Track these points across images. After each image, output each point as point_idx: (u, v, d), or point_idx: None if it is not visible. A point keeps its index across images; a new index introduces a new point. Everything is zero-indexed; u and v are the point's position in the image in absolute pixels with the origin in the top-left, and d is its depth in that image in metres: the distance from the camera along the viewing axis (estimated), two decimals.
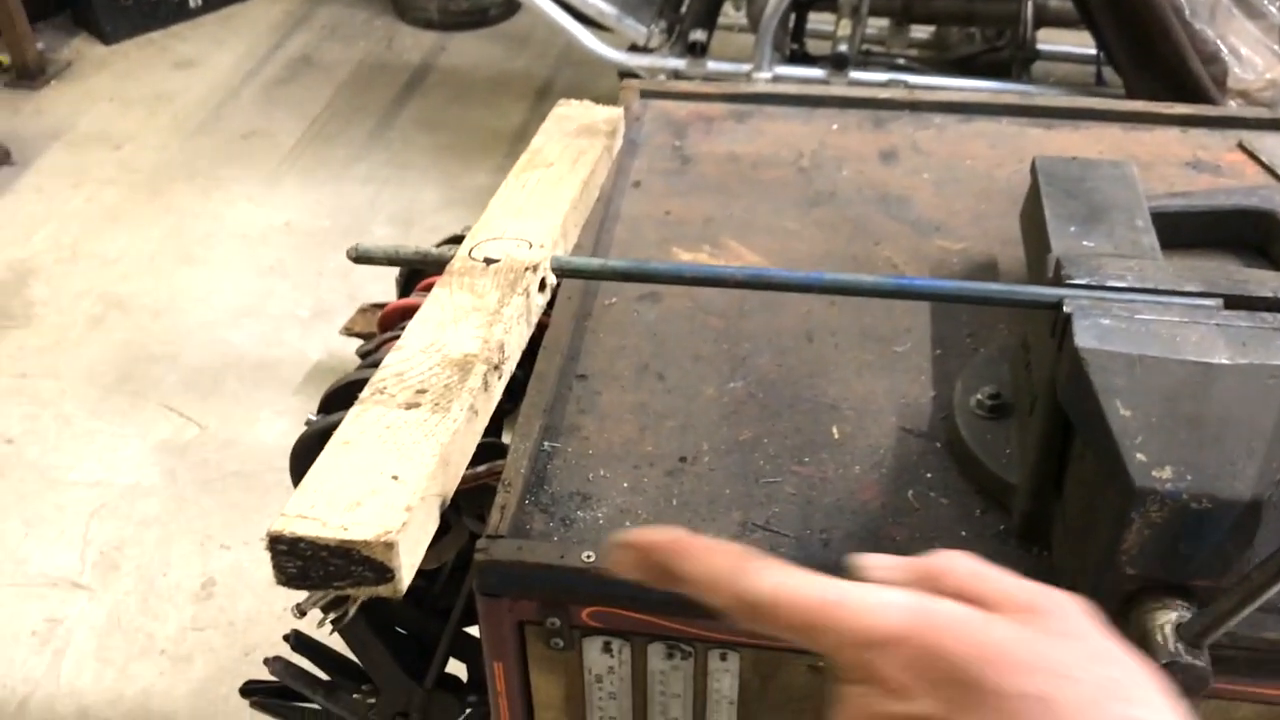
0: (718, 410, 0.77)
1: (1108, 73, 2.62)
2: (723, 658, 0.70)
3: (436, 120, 3.49)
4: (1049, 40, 2.90)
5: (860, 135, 1.06)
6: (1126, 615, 0.57)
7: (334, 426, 0.58)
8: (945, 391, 0.78)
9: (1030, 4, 2.77)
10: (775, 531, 0.69)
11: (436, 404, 0.59)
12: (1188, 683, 0.54)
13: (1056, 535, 0.66)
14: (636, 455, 0.74)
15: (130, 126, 3.46)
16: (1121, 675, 0.48)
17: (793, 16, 2.93)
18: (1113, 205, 0.75)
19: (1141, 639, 0.55)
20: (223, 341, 2.66)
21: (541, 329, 0.82)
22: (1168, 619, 0.55)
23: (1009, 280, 0.84)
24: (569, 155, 0.86)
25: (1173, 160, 1.00)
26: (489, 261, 0.71)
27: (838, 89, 1.17)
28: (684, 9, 2.90)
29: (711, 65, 2.79)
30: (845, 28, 2.69)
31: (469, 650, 1.00)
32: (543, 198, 0.80)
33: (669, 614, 0.68)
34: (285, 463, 0.86)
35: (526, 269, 0.71)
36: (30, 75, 3.63)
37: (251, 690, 1.06)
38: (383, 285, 2.70)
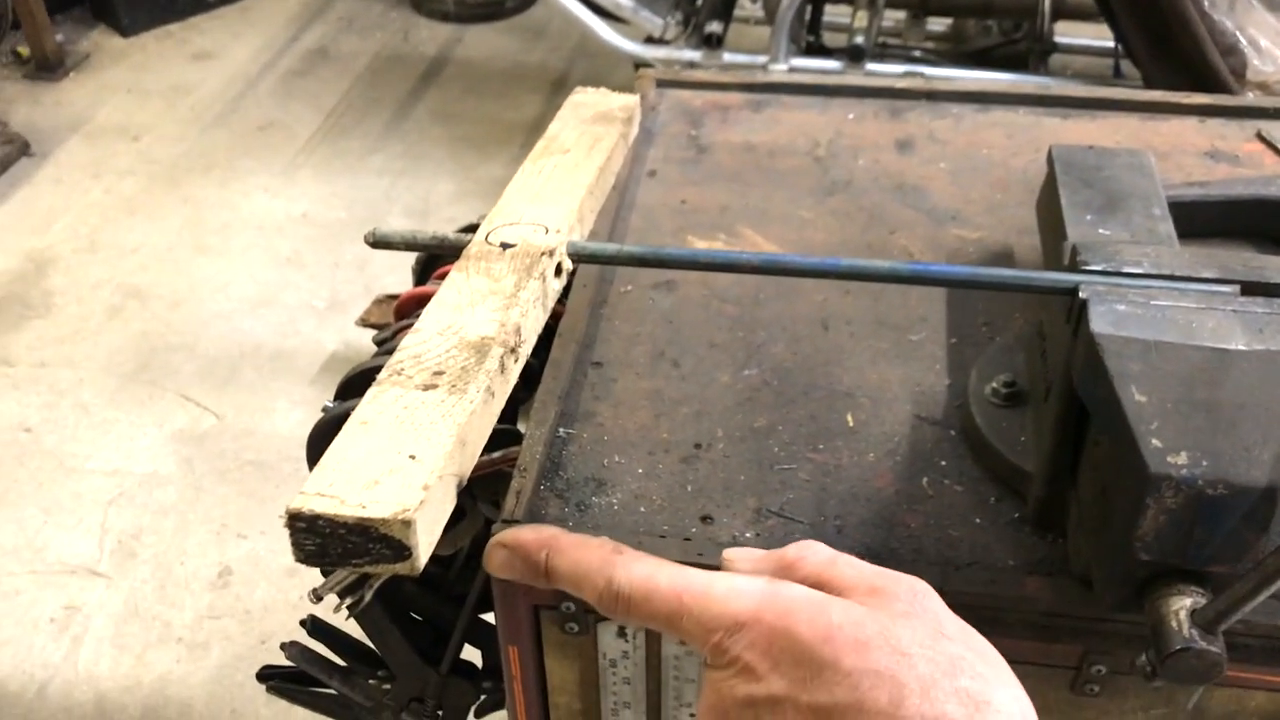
0: (732, 397, 0.78)
1: (1126, 65, 2.61)
2: None
3: (452, 112, 3.50)
4: (1067, 33, 2.89)
5: (876, 125, 1.06)
6: (1141, 601, 0.57)
7: (350, 413, 0.59)
8: (960, 379, 0.78)
9: None
10: (789, 518, 0.69)
11: (453, 385, 0.59)
12: (1202, 668, 0.54)
13: (1071, 522, 0.66)
14: (651, 441, 0.74)
15: (148, 118, 3.48)
16: (964, 653, 0.49)
17: (809, 9, 2.92)
18: (1129, 194, 0.75)
19: (1156, 625, 0.55)
20: (239, 332, 2.68)
21: (557, 317, 0.83)
22: (1182, 605, 0.55)
23: (1025, 269, 0.84)
24: (585, 142, 0.86)
25: (1190, 150, 1.00)
26: (505, 246, 0.72)
27: (854, 79, 1.16)
28: (700, 1, 2.90)
29: (727, 57, 2.79)
30: (862, 20, 2.68)
31: (484, 636, 1.00)
32: (559, 184, 0.80)
33: None
34: (301, 453, 0.87)
35: (543, 254, 0.71)
36: (49, 67, 3.65)
37: (268, 675, 1.07)
38: (398, 276, 2.73)
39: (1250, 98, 1.64)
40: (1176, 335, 0.58)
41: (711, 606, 0.51)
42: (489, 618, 0.96)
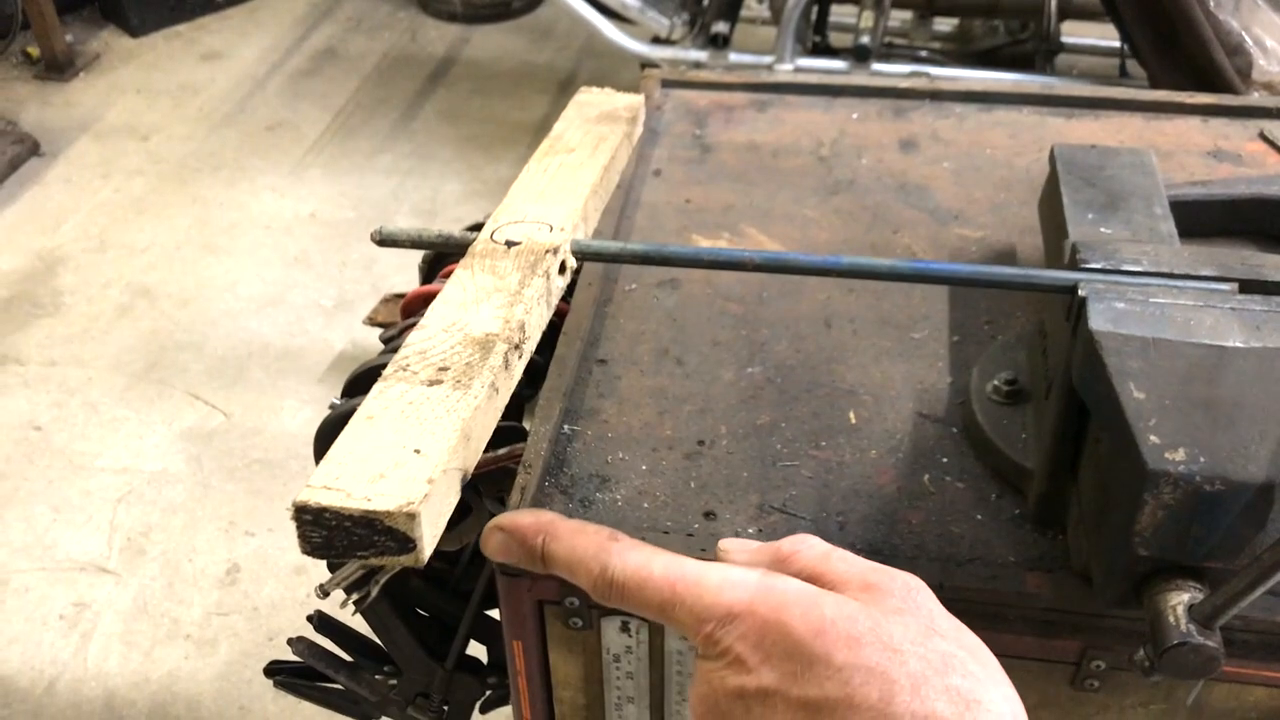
0: (736, 395, 0.78)
1: (1132, 65, 2.61)
2: None
3: (460, 112, 3.51)
4: (1073, 33, 2.89)
5: (880, 124, 1.06)
6: (1139, 596, 0.57)
7: (356, 409, 0.59)
8: (962, 377, 0.78)
9: None
10: (792, 514, 0.70)
11: (458, 381, 0.60)
12: (1199, 663, 0.55)
13: (1071, 518, 0.66)
14: (655, 438, 0.75)
15: (157, 118, 3.50)
16: (955, 650, 0.49)
17: (815, 9, 2.93)
18: (1131, 193, 0.75)
19: (1154, 619, 0.56)
20: (248, 330, 2.69)
21: (562, 315, 0.83)
22: (1180, 600, 0.56)
23: (1027, 267, 0.84)
24: (590, 141, 0.87)
25: (1193, 150, 1.00)
26: (510, 244, 0.72)
27: (859, 79, 1.17)
28: (706, 1, 2.90)
29: (734, 57, 2.80)
30: (868, 20, 2.69)
31: (489, 632, 1.01)
32: (564, 182, 0.81)
33: None
34: (308, 451, 0.87)
35: (547, 251, 0.71)
36: (59, 68, 3.67)
37: (275, 670, 1.07)
38: (405, 276, 2.74)
39: (1255, 97, 1.64)
40: (1175, 332, 0.59)
41: (704, 596, 0.51)
42: (494, 613, 0.97)
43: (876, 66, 2.64)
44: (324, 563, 0.70)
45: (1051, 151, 0.80)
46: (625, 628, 0.71)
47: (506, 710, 0.91)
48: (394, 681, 0.99)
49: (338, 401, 0.88)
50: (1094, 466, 0.62)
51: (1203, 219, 0.85)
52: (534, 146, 0.87)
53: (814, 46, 2.93)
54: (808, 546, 0.55)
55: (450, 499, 0.56)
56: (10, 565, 2.16)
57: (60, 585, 2.13)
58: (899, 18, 3.04)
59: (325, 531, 0.52)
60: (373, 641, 0.99)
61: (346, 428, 0.57)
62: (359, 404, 0.59)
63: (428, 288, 0.97)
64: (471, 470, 0.59)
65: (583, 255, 0.75)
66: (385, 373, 0.61)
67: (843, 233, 0.93)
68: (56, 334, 2.70)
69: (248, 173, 3.24)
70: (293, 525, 0.54)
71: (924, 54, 2.92)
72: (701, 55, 2.80)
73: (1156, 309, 0.60)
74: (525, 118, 3.45)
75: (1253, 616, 0.62)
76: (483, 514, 0.85)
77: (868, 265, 0.69)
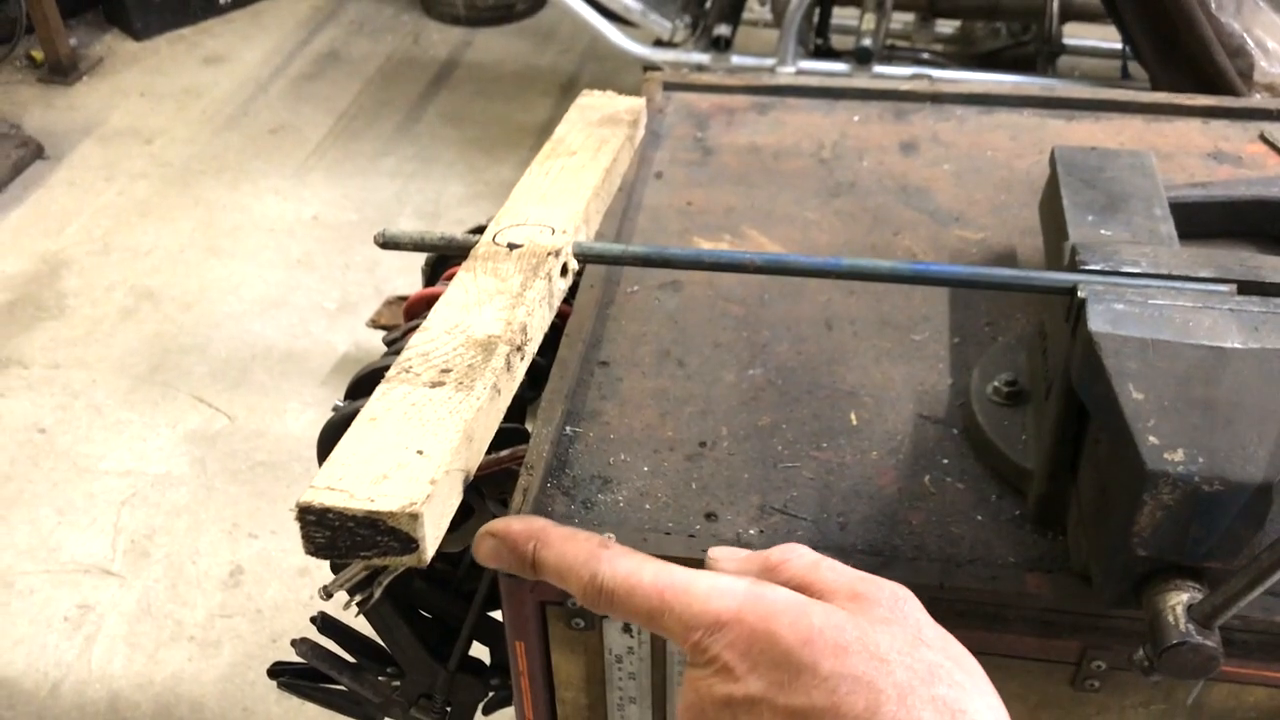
0: (737, 396, 0.78)
1: (1133, 67, 2.61)
2: None
3: (462, 115, 3.52)
4: (1074, 35, 2.89)
5: (881, 127, 1.06)
6: (1139, 596, 0.58)
7: (359, 412, 0.60)
8: (963, 379, 0.79)
9: None
10: (793, 515, 0.70)
11: (460, 382, 0.60)
12: (1198, 663, 0.55)
13: (1071, 519, 0.66)
14: (657, 440, 0.75)
15: (161, 121, 3.50)
16: (941, 660, 0.49)
17: (817, 11, 2.93)
18: (1131, 195, 0.76)
19: (1153, 619, 0.56)
20: (251, 333, 2.70)
21: (564, 317, 0.84)
22: (1179, 600, 0.56)
23: (1027, 269, 0.85)
24: (591, 144, 0.87)
25: (1194, 151, 1.01)
26: (512, 246, 0.73)
27: (859, 81, 1.17)
28: (708, 4, 2.91)
29: (736, 60, 2.80)
30: (869, 22, 2.69)
31: (492, 634, 1.01)
32: (565, 185, 0.81)
33: None
34: (312, 453, 0.88)
35: (549, 254, 0.72)
36: (63, 71, 3.68)
37: (279, 671, 1.07)
38: (408, 278, 2.74)
39: (1257, 99, 1.64)
40: (1173, 334, 0.59)
41: (693, 605, 0.51)
42: (497, 615, 0.97)
43: (878, 69, 2.65)
44: (327, 564, 0.71)
45: (1052, 153, 0.80)
46: (627, 628, 0.72)
47: (509, 711, 0.91)
48: (397, 683, 0.99)
49: (341, 404, 0.88)
50: (1093, 467, 0.63)
51: (1203, 221, 0.85)
52: (536, 149, 0.88)
53: (816, 49, 2.94)
54: (796, 555, 0.55)
55: (453, 500, 0.56)
56: (15, 568, 2.16)
57: (64, 587, 2.13)
58: (901, 20, 3.05)
59: (329, 532, 0.53)
60: (376, 643, 0.99)
61: (350, 429, 0.57)
62: (362, 406, 0.60)
63: (430, 290, 0.97)
64: (474, 471, 0.60)
65: (584, 257, 0.75)
66: (388, 374, 0.61)
67: (843, 234, 0.93)
68: (60, 337, 2.70)
69: (251, 175, 3.24)
70: (296, 526, 0.54)
71: (926, 56, 2.92)
72: (704, 58, 2.80)
73: (1155, 310, 0.61)
74: (528, 120, 3.45)
75: (1252, 616, 0.62)
76: (485, 515, 0.85)
77: (868, 267, 0.69)
